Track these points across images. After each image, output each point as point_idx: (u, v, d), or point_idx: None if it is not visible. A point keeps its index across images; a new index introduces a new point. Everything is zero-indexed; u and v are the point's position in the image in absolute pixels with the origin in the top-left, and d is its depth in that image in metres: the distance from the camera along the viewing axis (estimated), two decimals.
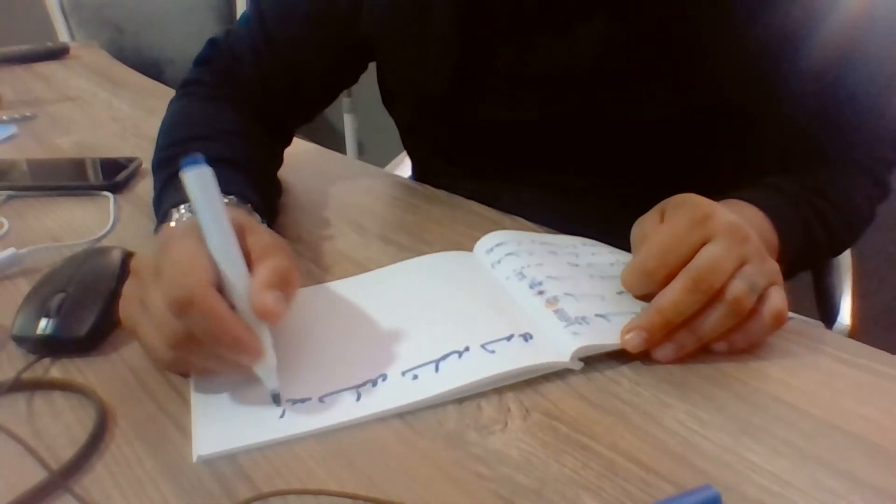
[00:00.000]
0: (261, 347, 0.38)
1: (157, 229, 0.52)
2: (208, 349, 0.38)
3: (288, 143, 0.74)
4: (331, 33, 0.69)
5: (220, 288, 0.39)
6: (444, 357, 0.43)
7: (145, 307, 0.39)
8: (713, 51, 0.57)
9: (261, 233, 0.43)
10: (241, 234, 0.41)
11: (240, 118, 0.66)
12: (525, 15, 0.61)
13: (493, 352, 0.43)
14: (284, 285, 0.39)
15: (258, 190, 0.56)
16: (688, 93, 0.59)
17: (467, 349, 0.43)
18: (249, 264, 0.40)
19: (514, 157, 0.68)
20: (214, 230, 0.39)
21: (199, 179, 0.39)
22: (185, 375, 0.42)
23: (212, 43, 0.73)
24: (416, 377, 0.41)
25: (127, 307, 0.42)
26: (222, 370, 0.40)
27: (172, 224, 0.49)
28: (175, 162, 0.53)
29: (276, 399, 0.40)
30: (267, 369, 0.39)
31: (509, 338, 0.44)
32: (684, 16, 0.56)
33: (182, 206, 0.50)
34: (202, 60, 0.73)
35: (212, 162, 0.44)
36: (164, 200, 0.53)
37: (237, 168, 0.57)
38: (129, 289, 0.42)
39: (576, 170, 0.66)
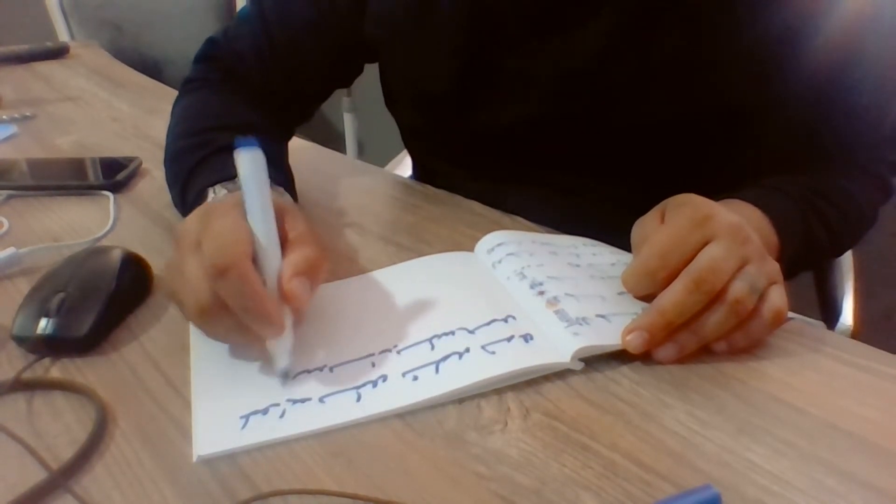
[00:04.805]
0: (283, 324, 0.40)
1: (187, 209, 0.55)
2: (234, 319, 0.39)
3: (289, 138, 0.75)
4: (331, 36, 0.69)
5: (255, 264, 0.40)
6: (445, 358, 0.42)
7: (182, 274, 0.41)
8: (716, 52, 0.57)
9: (299, 220, 0.45)
10: (280, 216, 0.43)
11: (253, 111, 0.68)
12: (530, 16, 0.61)
13: (493, 353, 0.43)
14: (313, 274, 0.42)
15: (288, 176, 0.61)
16: (691, 94, 0.59)
17: (468, 350, 0.43)
18: (283, 247, 0.42)
19: (517, 157, 0.68)
20: (259, 210, 0.41)
21: (252, 160, 0.41)
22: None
23: (211, 41, 0.74)
24: (416, 378, 0.41)
25: (167, 273, 0.44)
26: (238, 342, 0.42)
27: (209, 201, 0.51)
28: (204, 148, 0.60)
29: (284, 376, 0.41)
30: (282, 346, 0.41)
31: (510, 339, 0.44)
32: (687, 17, 0.56)
33: (218, 186, 0.53)
34: (203, 58, 0.74)
35: None
36: (196, 182, 0.57)
37: (267, 155, 0.59)
38: (173, 256, 0.44)
39: (578, 170, 0.66)
